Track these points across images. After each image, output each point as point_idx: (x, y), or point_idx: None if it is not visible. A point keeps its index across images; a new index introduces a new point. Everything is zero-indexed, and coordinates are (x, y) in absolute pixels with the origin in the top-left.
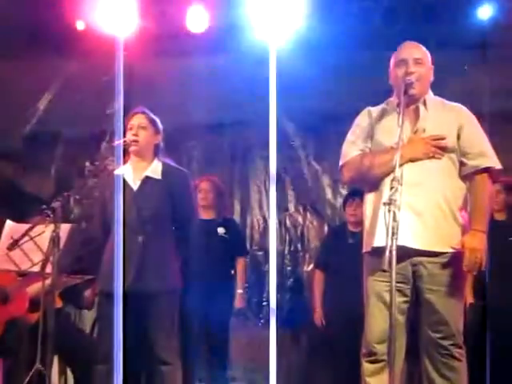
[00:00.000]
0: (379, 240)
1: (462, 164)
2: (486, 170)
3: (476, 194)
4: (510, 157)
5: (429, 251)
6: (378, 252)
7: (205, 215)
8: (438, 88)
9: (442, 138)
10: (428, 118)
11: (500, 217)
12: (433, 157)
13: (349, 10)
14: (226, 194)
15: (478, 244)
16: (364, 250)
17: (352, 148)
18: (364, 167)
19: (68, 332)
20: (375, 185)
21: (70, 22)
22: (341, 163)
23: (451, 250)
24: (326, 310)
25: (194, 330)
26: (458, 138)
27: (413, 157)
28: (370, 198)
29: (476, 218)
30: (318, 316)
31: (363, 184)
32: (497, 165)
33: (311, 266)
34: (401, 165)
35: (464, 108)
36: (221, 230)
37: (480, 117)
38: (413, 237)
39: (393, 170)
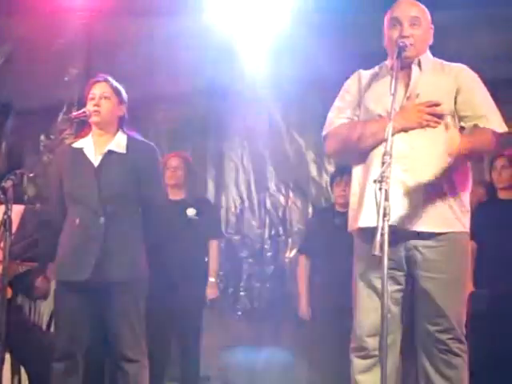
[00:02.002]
0: (366, 219)
1: (461, 129)
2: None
3: (474, 133)
4: None
5: (423, 233)
6: (368, 235)
7: (174, 195)
8: (435, 51)
9: (437, 105)
10: (422, 81)
11: (506, 195)
12: (427, 125)
13: None
14: (198, 172)
15: (456, 135)
16: (349, 229)
17: (338, 116)
18: (350, 138)
19: (21, 326)
20: (362, 158)
21: None
22: (324, 133)
23: (448, 230)
24: (312, 300)
25: (162, 323)
26: (456, 101)
27: (405, 126)
28: (356, 173)
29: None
30: (304, 308)
31: (349, 156)
32: (500, 128)
33: (294, 252)
34: (391, 135)
35: (465, 68)
36: (191, 212)
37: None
38: (404, 216)
39: (382, 142)
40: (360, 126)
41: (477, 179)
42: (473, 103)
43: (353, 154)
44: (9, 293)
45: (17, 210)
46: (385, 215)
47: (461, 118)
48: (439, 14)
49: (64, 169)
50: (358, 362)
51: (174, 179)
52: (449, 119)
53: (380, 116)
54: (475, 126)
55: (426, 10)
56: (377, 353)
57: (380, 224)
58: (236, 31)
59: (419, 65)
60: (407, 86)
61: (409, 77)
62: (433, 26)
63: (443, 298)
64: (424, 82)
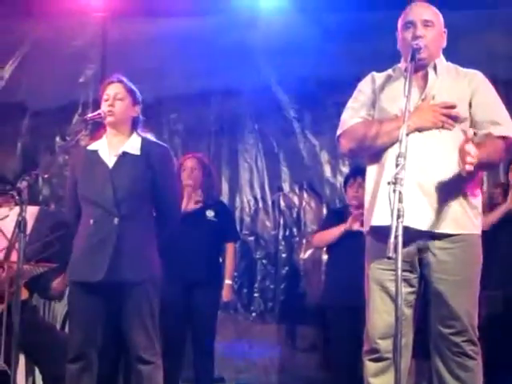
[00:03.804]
0: (379, 218)
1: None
2: (500, 139)
3: (486, 143)
4: None
5: (436, 234)
6: (381, 235)
7: (192, 197)
8: (448, 53)
9: (453, 107)
10: (438, 84)
11: None
12: (442, 127)
13: None
14: (214, 173)
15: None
16: (364, 230)
17: (352, 116)
18: (365, 136)
19: (36, 327)
20: (377, 157)
21: None
22: (339, 132)
23: (462, 232)
24: (325, 300)
25: (176, 325)
26: (470, 105)
27: (420, 126)
28: (371, 172)
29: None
30: None
31: (363, 155)
32: None
33: (309, 253)
34: (406, 135)
35: (479, 74)
36: (209, 213)
37: (494, 85)
38: (418, 217)
39: (397, 141)
40: (375, 124)
41: (492, 180)
42: (486, 108)
43: (367, 152)
44: (24, 294)
45: (31, 211)
46: (399, 217)
47: (474, 123)
48: (452, 14)
49: (79, 170)
50: (370, 365)
51: (190, 180)
52: (464, 125)
53: (396, 116)
54: (488, 134)
55: (439, 13)
56: (389, 355)
57: (394, 225)
58: (250, 32)
59: (434, 68)
60: (421, 88)
61: (423, 80)
62: (446, 30)
63: (456, 300)
64: (439, 85)
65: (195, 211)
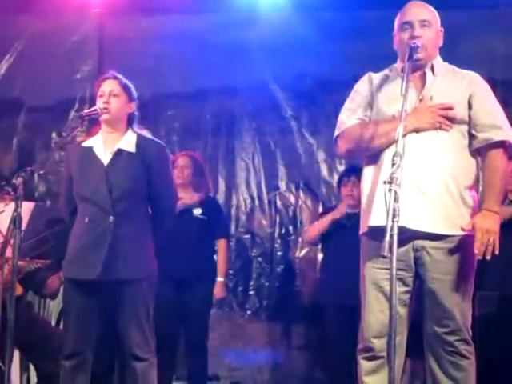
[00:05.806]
0: (376, 219)
1: (472, 137)
2: (500, 144)
3: (488, 171)
4: None
5: (432, 234)
6: (376, 235)
7: (181, 194)
8: (446, 52)
9: (451, 108)
10: (435, 85)
11: None
12: (440, 128)
13: None
14: (206, 172)
15: (491, 225)
16: (361, 232)
17: (349, 116)
18: (362, 138)
19: (30, 323)
20: (374, 158)
21: None
22: (336, 133)
23: (457, 233)
24: (320, 298)
25: (169, 322)
26: (470, 108)
27: (417, 127)
28: (368, 173)
29: (488, 197)
30: None
31: (361, 156)
32: None
33: (304, 252)
34: (404, 135)
35: (477, 76)
36: (197, 212)
37: (492, 85)
38: (414, 217)
39: (394, 142)
40: (372, 125)
41: None
42: (487, 111)
43: (365, 153)
44: (19, 290)
45: (27, 207)
46: (394, 216)
47: (474, 126)
48: (450, 14)
49: (74, 167)
50: (364, 364)
51: (181, 178)
52: (462, 127)
53: (394, 117)
54: (487, 140)
55: (436, 12)
56: (383, 354)
57: (389, 225)
58: (247, 30)
59: (432, 69)
60: (419, 89)
61: (420, 80)
62: (442, 29)
63: (450, 300)
64: (437, 86)
65: (183, 209)
